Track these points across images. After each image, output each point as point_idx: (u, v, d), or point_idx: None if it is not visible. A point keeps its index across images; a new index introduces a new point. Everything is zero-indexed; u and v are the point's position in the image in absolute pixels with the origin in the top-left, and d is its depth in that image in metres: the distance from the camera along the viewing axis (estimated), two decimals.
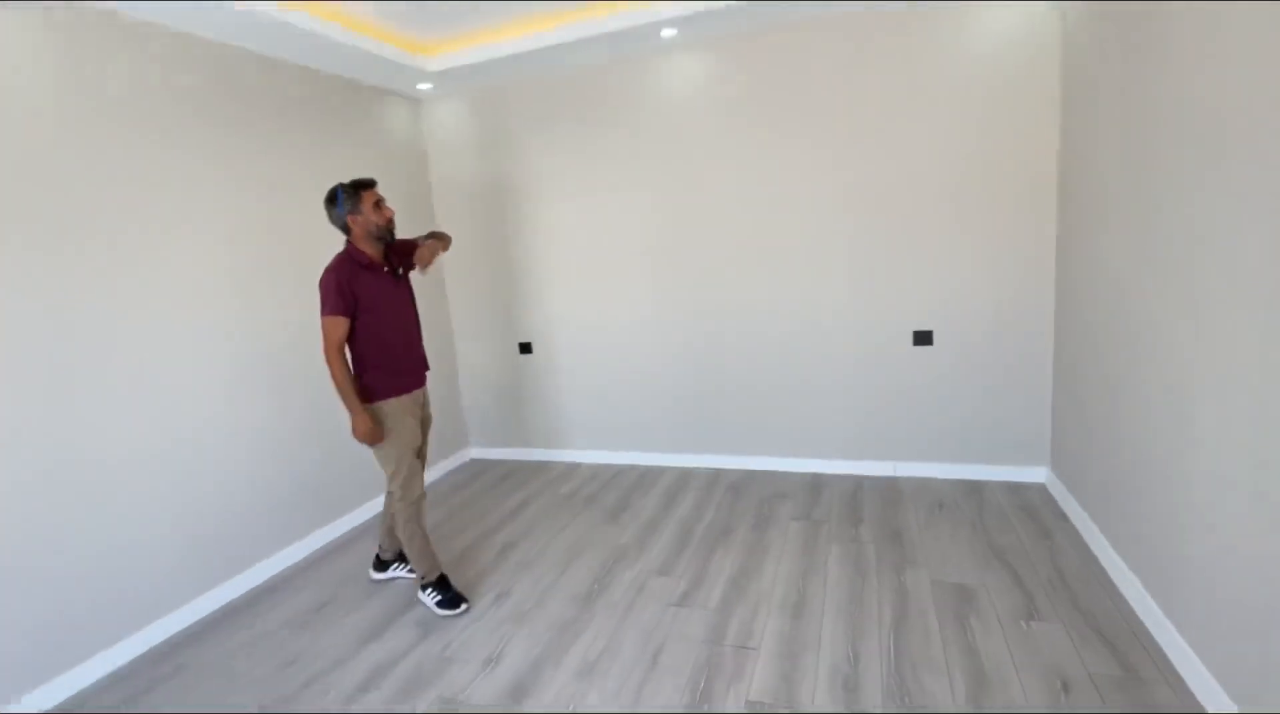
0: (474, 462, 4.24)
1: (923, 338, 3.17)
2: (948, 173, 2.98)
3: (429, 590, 2.44)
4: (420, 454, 2.51)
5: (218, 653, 2.31)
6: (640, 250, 3.61)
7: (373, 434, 2.26)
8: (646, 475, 3.68)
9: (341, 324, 2.20)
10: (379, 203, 2.31)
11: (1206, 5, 1.59)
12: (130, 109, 2.36)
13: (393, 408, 2.34)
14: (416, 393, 2.46)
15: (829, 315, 3.30)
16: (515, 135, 3.74)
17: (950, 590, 2.28)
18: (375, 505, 3.42)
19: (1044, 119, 2.79)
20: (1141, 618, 2.01)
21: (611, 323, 3.76)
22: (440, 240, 2.50)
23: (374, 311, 2.29)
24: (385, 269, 2.36)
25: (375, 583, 2.72)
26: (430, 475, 3.89)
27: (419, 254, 2.40)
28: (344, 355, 2.23)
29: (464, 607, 2.41)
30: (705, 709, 1.81)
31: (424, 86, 3.65)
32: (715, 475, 3.59)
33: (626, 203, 3.58)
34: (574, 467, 3.94)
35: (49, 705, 2.06)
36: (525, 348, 4.02)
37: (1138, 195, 1.98)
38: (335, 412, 2.92)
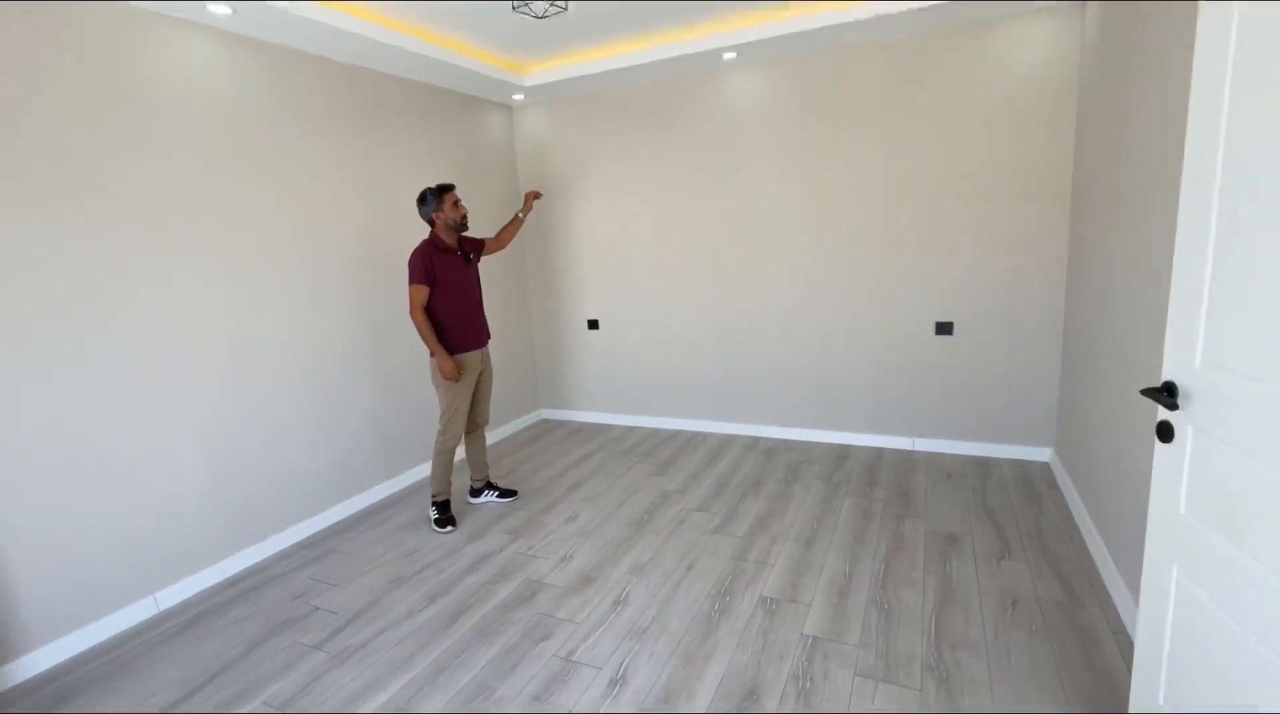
0: (544, 421, 4.91)
1: (944, 328, 3.58)
2: (971, 179, 3.37)
3: (433, 507, 3.13)
4: (476, 401, 3.20)
5: (356, 543, 3.03)
6: (694, 244, 4.14)
7: (453, 373, 2.92)
8: (693, 439, 4.24)
9: (423, 291, 2.88)
10: (456, 202, 2.97)
11: (1197, 8, 1.97)
12: (294, 117, 3.07)
13: (461, 358, 3.02)
14: (476, 352, 3.10)
15: (861, 305, 3.75)
16: (590, 140, 4.32)
17: (940, 537, 2.75)
18: (492, 436, 4.13)
19: (1060, 128, 3.14)
20: (1095, 560, 2.43)
21: (669, 306, 4.31)
22: (527, 204, 3.43)
23: (447, 286, 2.95)
24: (459, 254, 3.03)
25: (471, 505, 3.40)
26: (507, 430, 4.58)
27: (525, 206, 3.41)
28: (425, 314, 2.89)
29: (449, 529, 3.07)
30: (727, 600, 2.37)
31: (518, 97, 4.27)
32: (753, 442, 4.11)
33: (685, 202, 4.11)
34: (631, 429, 4.54)
35: (245, 565, 2.83)
36: (593, 324, 4.63)
37: (1140, 200, 2.27)
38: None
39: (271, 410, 2.96)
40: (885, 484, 3.33)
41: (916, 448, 3.78)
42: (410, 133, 3.70)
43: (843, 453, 3.81)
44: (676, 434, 4.37)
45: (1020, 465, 3.44)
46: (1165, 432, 1.29)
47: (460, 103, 4.07)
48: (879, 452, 3.79)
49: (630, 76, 3.89)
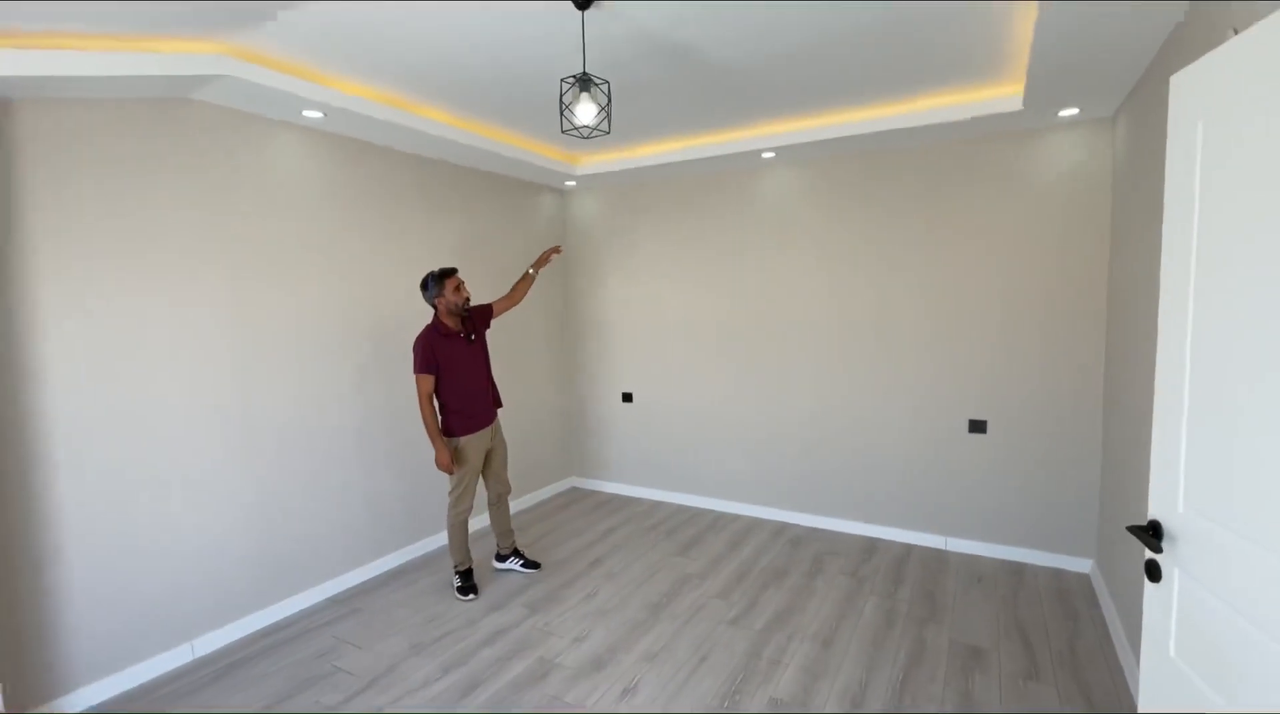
0: (575, 489, 4.98)
1: (977, 426, 3.54)
2: (1005, 281, 3.41)
3: (455, 575, 3.23)
4: (489, 473, 3.31)
5: (382, 604, 3.13)
6: (729, 329, 4.26)
7: (448, 466, 3.03)
8: (719, 520, 4.23)
9: (427, 380, 2.98)
10: (458, 287, 3.06)
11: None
12: (372, 199, 3.40)
13: (464, 442, 3.11)
14: (482, 433, 3.18)
15: (893, 398, 3.76)
16: (633, 223, 4.58)
17: (965, 649, 2.65)
18: (522, 502, 4.24)
19: (1095, 233, 3.18)
20: (1131, 692, 2.30)
21: (701, 386, 4.41)
22: (544, 260, 3.48)
23: (452, 370, 3.04)
24: (461, 336, 3.10)
25: (497, 571, 3.47)
26: (536, 496, 4.67)
27: (539, 260, 3.46)
28: (431, 403, 3.01)
29: (471, 597, 3.15)
30: (737, 699, 2.34)
31: (570, 183, 4.59)
32: (780, 528, 4.07)
33: (721, 288, 4.27)
34: (658, 504, 4.56)
35: (277, 618, 2.96)
36: (627, 397, 4.75)
37: None
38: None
39: (316, 469, 3.15)
40: (912, 584, 3.24)
41: (949, 547, 3.67)
42: (470, 214, 4.02)
43: (870, 546, 3.74)
44: (703, 513, 4.37)
45: (1058, 575, 3.30)
46: (1153, 571, 1.28)
47: (516, 188, 4.40)
48: (909, 548, 3.70)
49: (674, 169, 4.15)
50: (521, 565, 3.45)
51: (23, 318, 2.19)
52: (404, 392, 3.57)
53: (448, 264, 3.82)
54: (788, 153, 3.76)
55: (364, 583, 3.36)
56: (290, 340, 3.02)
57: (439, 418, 3.07)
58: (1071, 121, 3.19)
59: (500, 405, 3.36)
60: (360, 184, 3.33)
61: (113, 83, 2.27)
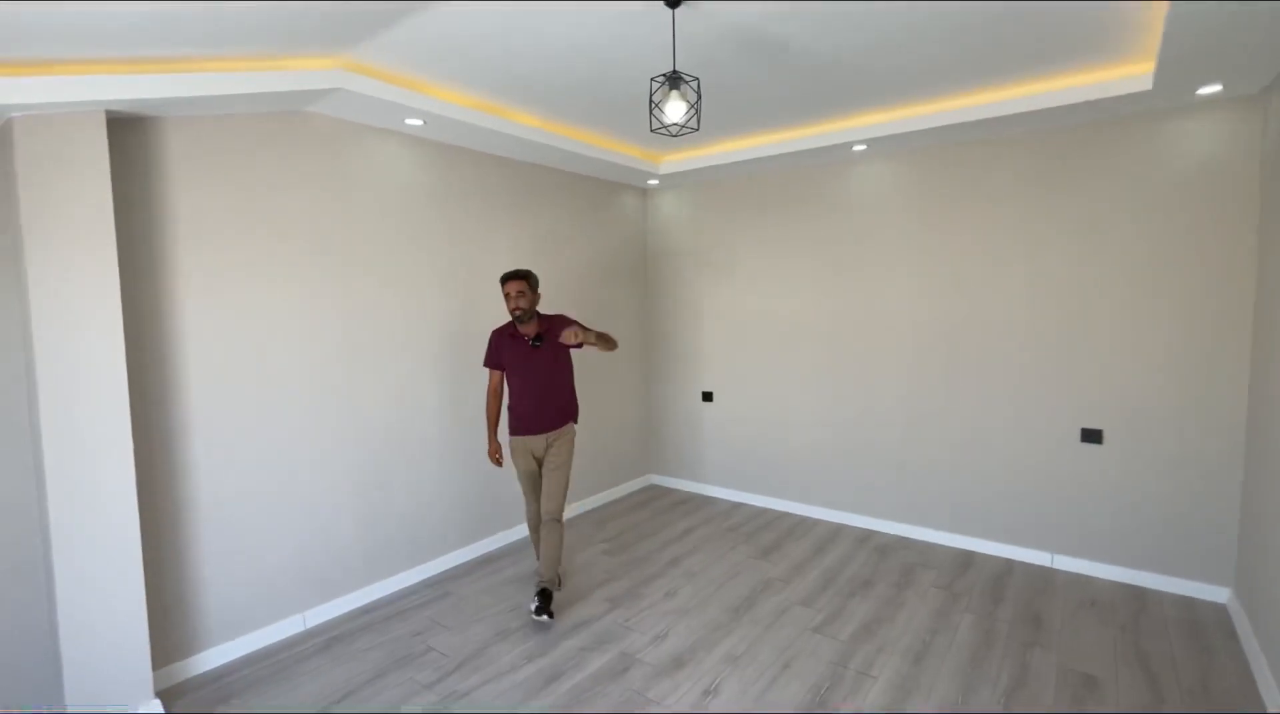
0: (653, 486, 5.00)
1: (1091, 436, 3.25)
2: (1127, 278, 3.11)
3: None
4: (538, 486, 3.08)
5: (470, 590, 3.27)
6: (816, 327, 4.13)
7: (491, 456, 3.09)
8: (801, 524, 4.12)
9: (492, 374, 3.07)
10: (508, 295, 2.92)
11: None
12: (463, 200, 3.55)
13: (511, 444, 3.08)
14: (531, 438, 3.01)
15: (997, 404, 3.52)
16: (716, 221, 4.53)
17: (1076, 677, 2.44)
18: (600, 497, 4.33)
19: (1239, 223, 2.84)
20: None
21: (785, 386, 4.31)
22: (588, 334, 2.83)
23: (512, 371, 3.02)
24: (526, 339, 2.99)
25: (576, 573, 3.54)
26: (614, 492, 4.73)
27: (563, 332, 2.83)
28: (496, 396, 3.08)
29: (544, 618, 2.80)
30: (822, 708, 2.27)
31: (652, 182, 4.61)
32: (866, 535, 3.91)
33: (808, 285, 4.15)
34: (737, 506, 4.50)
35: (377, 596, 3.15)
36: (707, 396, 4.71)
37: None
38: None
39: (414, 456, 3.33)
40: (1014, 603, 3.02)
41: (1056, 565, 3.40)
42: (554, 214, 4.12)
43: (966, 560, 3.52)
44: (783, 516, 4.27)
45: (1188, 604, 2.98)
46: None
47: (600, 188, 4.47)
48: (1009, 564, 3.45)
49: (760, 165, 4.07)
50: (534, 609, 2.83)
51: (168, 310, 2.45)
52: None
53: (527, 265, 3.93)
54: (881, 145, 3.60)
55: (454, 568, 3.51)
56: (394, 335, 3.21)
57: (502, 413, 3.14)
58: (1211, 100, 2.87)
59: (571, 419, 3.12)
60: (454, 186, 3.48)
61: (245, 100, 2.48)
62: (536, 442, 3.03)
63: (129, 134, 2.34)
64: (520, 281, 2.93)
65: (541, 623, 2.83)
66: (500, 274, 3.26)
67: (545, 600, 2.85)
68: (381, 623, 2.94)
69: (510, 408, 3.08)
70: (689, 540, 3.88)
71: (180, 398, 2.49)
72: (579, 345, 2.90)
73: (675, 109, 2.13)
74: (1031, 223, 3.35)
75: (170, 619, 2.48)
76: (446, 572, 3.48)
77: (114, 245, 2.15)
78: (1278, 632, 2.24)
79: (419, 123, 3.06)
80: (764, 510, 4.39)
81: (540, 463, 3.06)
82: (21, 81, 1.94)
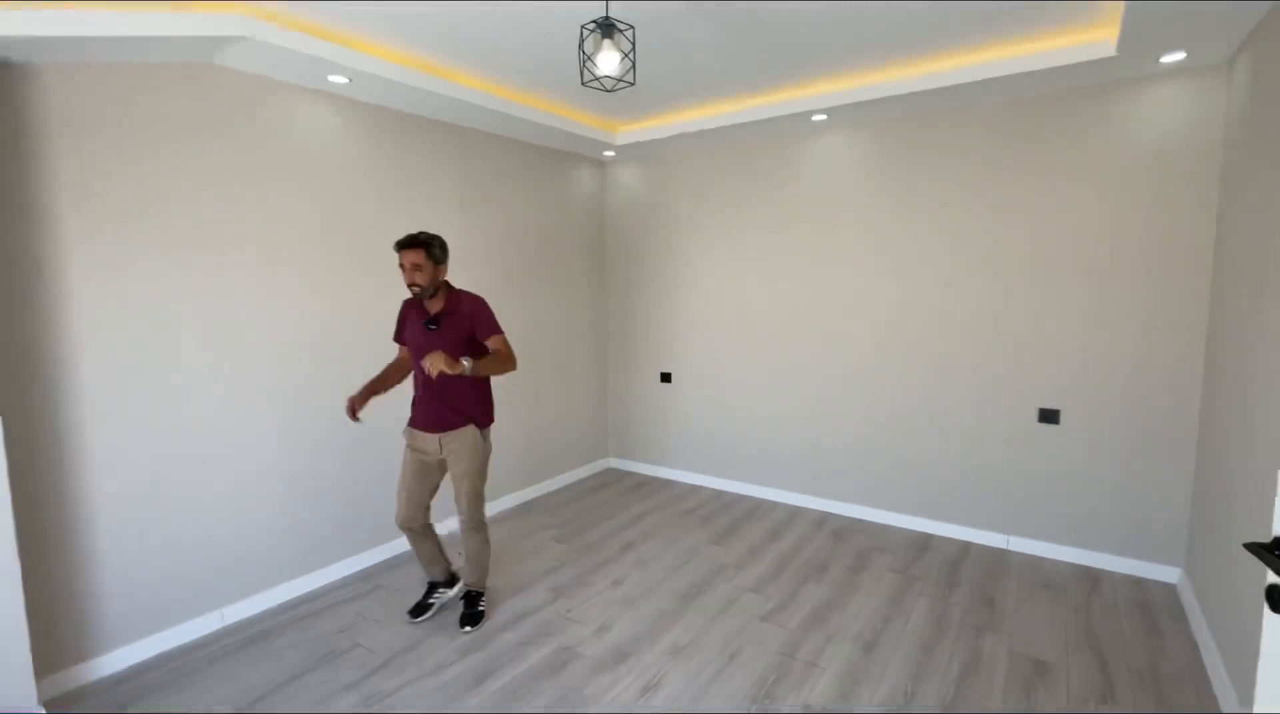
0: (611, 470, 4.86)
1: (1049, 416, 3.19)
2: (1086, 254, 3.03)
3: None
4: (415, 489, 2.59)
5: (408, 580, 3.09)
6: (776, 306, 4.01)
7: (347, 409, 2.50)
8: (758, 507, 4.02)
9: (401, 349, 2.68)
10: (403, 267, 2.41)
11: None
12: (395, 169, 3.31)
13: (406, 434, 2.63)
14: (422, 435, 2.55)
15: (954, 383, 3.44)
16: (674, 196, 4.35)
17: (1027, 662, 2.38)
18: (555, 482, 4.17)
19: (1197, 199, 2.77)
20: None
21: (744, 366, 4.18)
22: (455, 366, 2.26)
23: (411, 352, 2.57)
24: (427, 313, 2.50)
25: (521, 560, 3.39)
26: (571, 476, 4.58)
27: (425, 359, 2.26)
28: (399, 369, 2.67)
29: (416, 619, 2.68)
30: (767, 702, 2.16)
31: (608, 154, 4.40)
32: (823, 518, 3.83)
33: (768, 262, 4.01)
34: (695, 488, 4.39)
35: (305, 590, 2.96)
36: (666, 377, 4.57)
37: None
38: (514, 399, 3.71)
39: (350, 444, 3.12)
40: (968, 586, 2.96)
41: (1011, 547, 3.35)
42: (503, 186, 3.89)
43: (922, 542, 3.46)
44: (741, 499, 4.17)
45: (1139, 585, 2.95)
46: (1276, 598, 1.02)
47: (555, 159, 4.25)
48: (965, 546, 3.40)
49: (718, 136, 3.90)
50: (459, 619, 2.68)
51: (48, 289, 2.19)
52: None
53: (474, 243, 3.72)
54: (841, 115, 3.45)
55: (391, 559, 3.33)
56: (318, 315, 2.98)
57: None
58: (1175, 69, 2.77)
59: (471, 421, 2.56)
60: (385, 154, 3.24)
61: (133, 44, 2.22)
62: (428, 441, 2.55)
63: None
64: (416, 250, 2.39)
65: (468, 632, 2.61)
66: (447, 247, 3.03)
67: (469, 606, 2.69)
68: (307, 618, 2.75)
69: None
70: (643, 525, 3.76)
71: (67, 386, 2.24)
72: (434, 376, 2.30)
73: (608, 60, 1.95)
74: (995, 197, 3.25)
75: (64, 620, 2.26)
76: (384, 562, 3.30)
77: None
78: (1224, 611, 2.19)
79: (343, 80, 2.81)
80: (722, 493, 4.29)
81: (435, 467, 2.62)
82: None
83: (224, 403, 2.65)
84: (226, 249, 2.63)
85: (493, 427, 2.76)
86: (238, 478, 2.71)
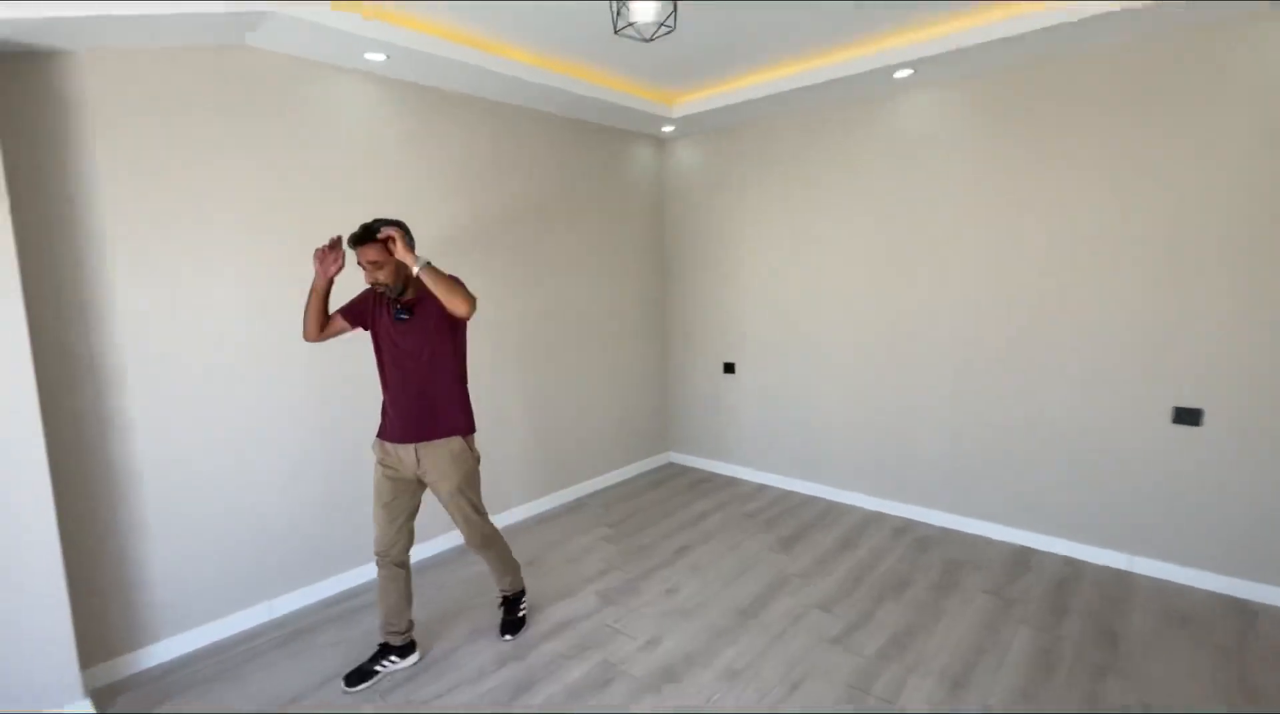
0: (672, 465, 4.62)
1: (1187, 416, 2.67)
2: (1245, 221, 2.48)
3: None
4: (392, 509, 2.21)
5: (454, 578, 2.98)
6: (849, 289, 3.61)
7: (318, 258, 2.06)
8: (830, 511, 3.67)
9: (335, 318, 2.17)
10: (362, 266, 2.04)
11: None
12: (436, 154, 3.18)
13: (375, 448, 2.24)
14: (396, 447, 2.17)
15: (1064, 377, 2.95)
16: (739, 173, 4.01)
17: None
18: (611, 477, 4.01)
19: None
20: None
21: (819, 356, 3.82)
22: (405, 252, 1.98)
23: (378, 346, 2.18)
24: (395, 303, 2.13)
25: (570, 562, 3.22)
26: (628, 471, 4.37)
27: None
28: (313, 324, 2.14)
29: (411, 658, 2.31)
30: None
31: (667, 129, 4.12)
32: (904, 526, 3.43)
33: (841, 242, 3.62)
34: (761, 488, 4.08)
35: (352, 585, 2.91)
36: (729, 367, 4.27)
37: None
38: (553, 398, 3.55)
39: None
40: (1081, 615, 2.52)
41: (1134, 569, 2.85)
42: (555, 169, 3.69)
43: (1022, 558, 3.01)
44: (811, 501, 3.82)
45: None
46: None
47: (608, 138, 4.01)
48: (1076, 566, 2.93)
49: (785, 102, 3.53)
50: (499, 626, 2.50)
51: (93, 278, 2.18)
52: (524, 347, 3.38)
53: (523, 228, 3.54)
54: (929, 69, 3.01)
55: (441, 553, 3.25)
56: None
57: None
58: None
59: (453, 430, 2.19)
60: (432, 136, 3.10)
61: (166, 22, 2.15)
62: (404, 453, 2.17)
63: (31, 73, 2.05)
64: (373, 247, 1.99)
65: (508, 640, 2.44)
66: (482, 233, 2.86)
67: (509, 613, 2.51)
68: (351, 614, 2.69)
69: (384, 400, 2.24)
70: (702, 527, 3.50)
71: (112, 378, 2.23)
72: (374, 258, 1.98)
73: (644, 8, 1.68)
74: (1118, 159, 2.73)
75: (112, 610, 2.27)
76: (435, 557, 3.21)
77: (4, 201, 1.87)
78: None
79: (381, 58, 2.69)
80: (789, 494, 3.96)
81: (412, 484, 2.23)
82: None
83: (267, 399, 2.61)
84: (263, 237, 2.57)
85: (475, 437, 2.30)
86: (283, 469, 2.67)
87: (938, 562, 3.01)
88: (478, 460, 2.30)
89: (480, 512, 2.32)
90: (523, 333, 3.60)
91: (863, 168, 3.49)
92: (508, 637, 2.46)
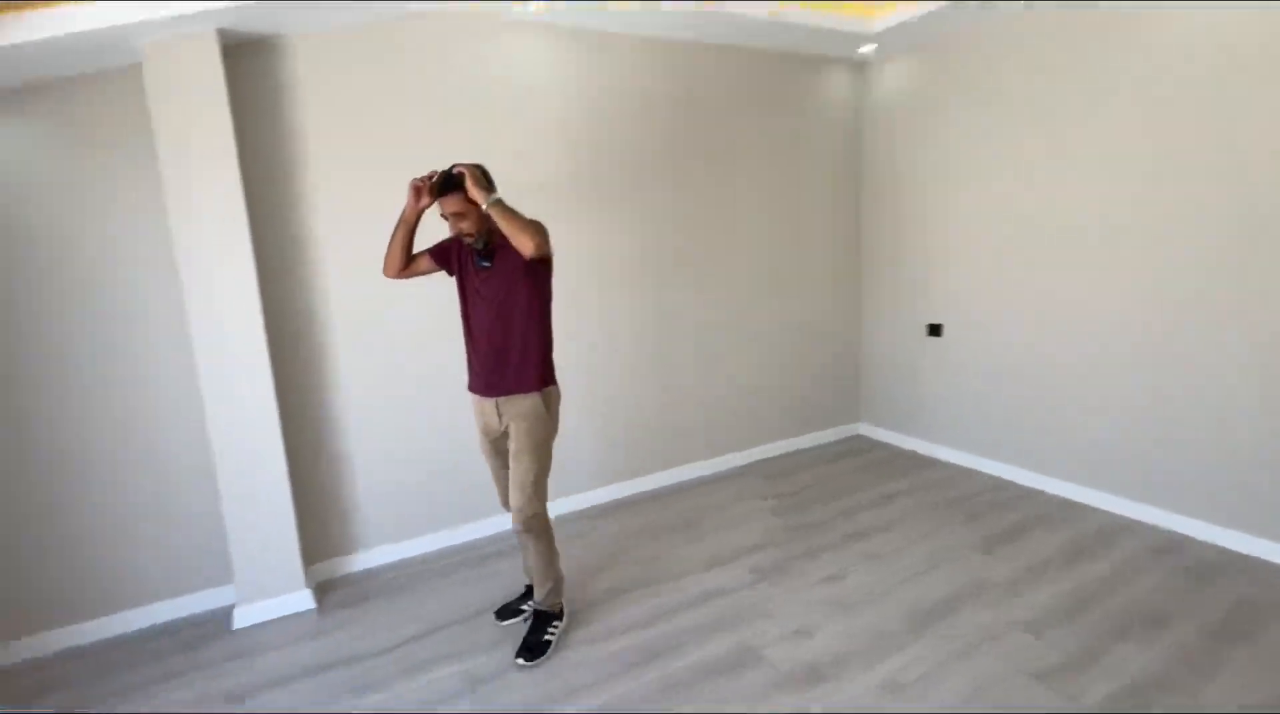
0: (860, 438, 4.13)
1: None
2: None
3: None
4: (499, 467, 2.20)
5: (614, 531, 2.99)
6: (1113, 234, 2.75)
7: (410, 200, 1.97)
8: (1060, 510, 2.94)
9: (421, 257, 2.10)
10: (445, 218, 1.96)
11: None
12: (602, 103, 3.07)
13: (471, 402, 2.19)
14: (481, 401, 2.12)
15: None
16: (957, 95, 3.27)
17: None
18: (786, 444, 3.77)
19: None
20: None
21: (1056, 318, 3.03)
22: (478, 193, 1.86)
23: (462, 295, 2.10)
24: (480, 253, 2.01)
25: (725, 528, 3.03)
26: (812, 439, 4.00)
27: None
28: (397, 256, 2.05)
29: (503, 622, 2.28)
30: None
31: (865, 49, 3.51)
32: (1171, 543, 2.60)
33: (1098, 175, 2.75)
34: (966, 472, 3.43)
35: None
36: (934, 330, 3.61)
37: None
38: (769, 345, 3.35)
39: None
40: None
41: None
42: (729, 104, 3.38)
43: None
44: (1033, 495, 3.10)
45: None
46: None
47: (793, 65, 3.55)
48: None
49: (1016, 7, 2.74)
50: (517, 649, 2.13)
51: (306, 236, 2.52)
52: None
53: (700, 178, 3.31)
54: None
55: (585, 509, 3.26)
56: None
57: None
58: None
59: (530, 386, 2.04)
60: (589, 85, 3.00)
61: (353, 7, 2.33)
62: (487, 407, 2.11)
63: (253, 59, 2.37)
64: (454, 198, 1.90)
65: (520, 665, 2.07)
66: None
67: (533, 632, 2.14)
68: (516, 551, 2.83)
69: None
70: (887, 510, 3.05)
71: (327, 325, 2.58)
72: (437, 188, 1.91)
73: None
74: None
75: (331, 521, 2.68)
76: (584, 510, 3.23)
77: (237, 170, 2.21)
78: None
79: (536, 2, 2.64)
80: (1006, 483, 3.26)
81: (503, 438, 2.14)
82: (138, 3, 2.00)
83: (447, 349, 2.82)
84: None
85: (555, 389, 2.13)
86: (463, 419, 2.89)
87: (1219, 597, 2.21)
88: (555, 429, 2.12)
89: (537, 486, 2.08)
90: (694, 282, 3.42)
91: (1114, 79, 2.58)
92: (520, 660, 2.06)
